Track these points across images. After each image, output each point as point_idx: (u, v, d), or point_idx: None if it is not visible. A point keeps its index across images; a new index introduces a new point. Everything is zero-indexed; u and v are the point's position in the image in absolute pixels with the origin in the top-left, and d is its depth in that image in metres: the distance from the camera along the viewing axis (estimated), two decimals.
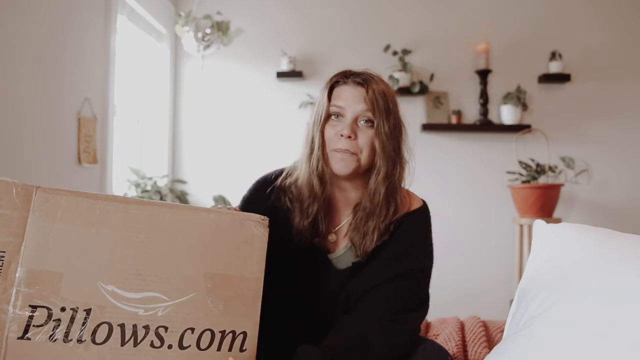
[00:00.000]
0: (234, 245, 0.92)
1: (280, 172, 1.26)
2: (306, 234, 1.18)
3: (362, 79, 1.15)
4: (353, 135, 1.12)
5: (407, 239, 1.17)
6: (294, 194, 1.20)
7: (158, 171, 3.23)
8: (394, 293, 1.13)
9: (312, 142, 1.17)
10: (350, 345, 1.07)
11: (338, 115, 1.15)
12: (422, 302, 1.17)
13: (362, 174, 1.17)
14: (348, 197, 1.21)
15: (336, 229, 1.22)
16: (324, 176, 1.16)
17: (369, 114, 1.13)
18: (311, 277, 1.19)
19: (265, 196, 1.23)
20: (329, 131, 1.15)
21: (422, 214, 1.21)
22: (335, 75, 1.19)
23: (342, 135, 1.13)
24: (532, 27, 3.36)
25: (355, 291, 1.15)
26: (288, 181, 1.22)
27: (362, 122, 1.14)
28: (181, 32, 2.92)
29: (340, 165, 1.13)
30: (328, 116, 1.16)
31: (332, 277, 1.19)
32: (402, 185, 1.20)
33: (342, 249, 1.21)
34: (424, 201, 1.24)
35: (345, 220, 1.21)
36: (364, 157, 1.14)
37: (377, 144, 1.13)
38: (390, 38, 3.32)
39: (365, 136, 1.13)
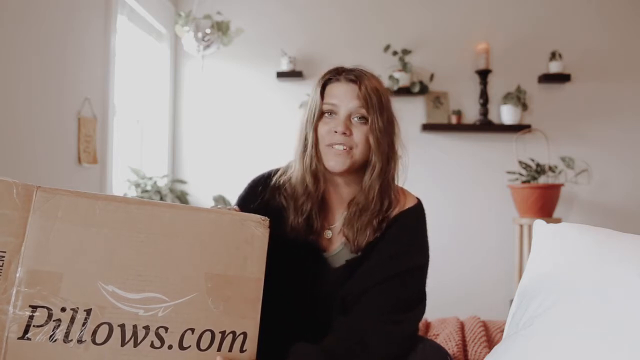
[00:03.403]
0: (234, 246, 0.92)
1: (275, 171, 1.26)
2: (300, 231, 1.18)
3: (355, 76, 1.16)
4: (348, 131, 1.13)
5: (401, 237, 1.17)
6: (288, 192, 1.21)
7: (158, 171, 3.23)
8: (390, 293, 1.13)
9: (306, 139, 1.18)
10: (348, 346, 1.07)
11: (331, 112, 1.16)
12: (419, 301, 1.17)
13: (355, 170, 1.17)
14: (342, 193, 1.21)
15: (331, 226, 1.22)
16: (317, 173, 1.17)
17: (363, 111, 1.13)
18: (306, 275, 1.19)
19: (260, 194, 1.23)
20: (323, 128, 1.15)
21: (417, 212, 1.21)
22: (328, 73, 1.19)
23: (336, 132, 1.13)
24: (532, 27, 3.35)
25: (351, 292, 1.15)
26: (282, 179, 1.23)
27: (355, 118, 1.14)
28: (181, 32, 2.92)
29: (335, 161, 1.13)
30: (322, 114, 1.17)
31: (327, 276, 1.19)
32: (396, 181, 1.21)
33: (337, 248, 1.21)
34: (418, 199, 1.24)
35: (340, 217, 1.21)
36: (359, 153, 1.14)
37: (371, 140, 1.13)
38: (390, 38, 3.32)
39: (360, 132, 1.14)
